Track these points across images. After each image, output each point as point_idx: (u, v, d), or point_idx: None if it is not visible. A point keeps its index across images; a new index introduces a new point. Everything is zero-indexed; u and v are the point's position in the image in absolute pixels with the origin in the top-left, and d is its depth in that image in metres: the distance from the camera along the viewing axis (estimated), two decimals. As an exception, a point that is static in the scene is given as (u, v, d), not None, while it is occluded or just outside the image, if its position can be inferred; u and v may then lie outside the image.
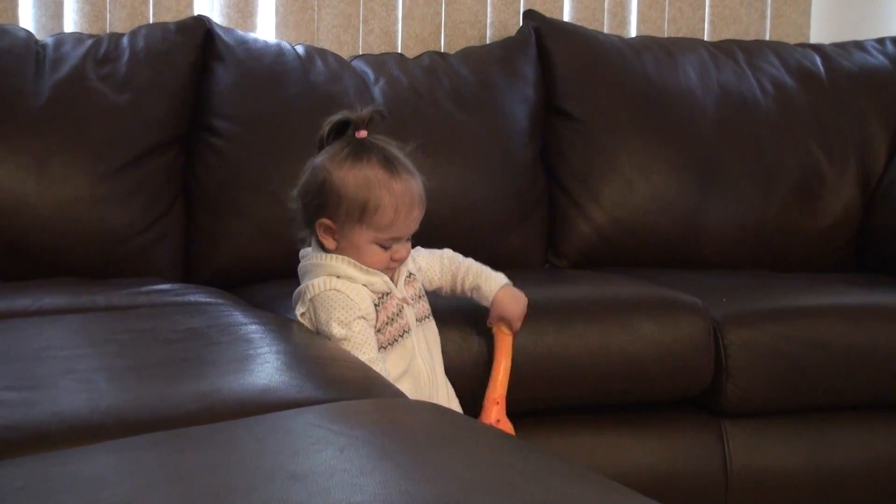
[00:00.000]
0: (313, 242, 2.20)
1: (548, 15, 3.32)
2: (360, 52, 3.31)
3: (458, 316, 2.37)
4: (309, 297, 2.13)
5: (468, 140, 2.99)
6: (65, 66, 2.84)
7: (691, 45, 3.35)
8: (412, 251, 2.22)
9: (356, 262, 2.13)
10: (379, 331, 2.12)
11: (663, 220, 3.08)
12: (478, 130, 3.02)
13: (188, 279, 2.80)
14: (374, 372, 1.88)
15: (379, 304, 2.13)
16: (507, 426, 2.25)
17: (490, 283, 2.28)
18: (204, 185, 2.87)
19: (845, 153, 3.23)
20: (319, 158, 2.15)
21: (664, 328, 2.48)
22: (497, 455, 1.38)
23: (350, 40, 3.34)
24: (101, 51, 2.90)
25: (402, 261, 2.17)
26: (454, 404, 2.23)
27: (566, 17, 3.50)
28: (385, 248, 2.13)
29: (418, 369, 2.16)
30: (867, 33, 3.59)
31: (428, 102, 3.02)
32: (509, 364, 2.28)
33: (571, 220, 3.07)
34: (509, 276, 2.46)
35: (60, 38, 2.94)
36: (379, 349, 2.11)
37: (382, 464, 1.29)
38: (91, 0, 3.15)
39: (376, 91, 3.00)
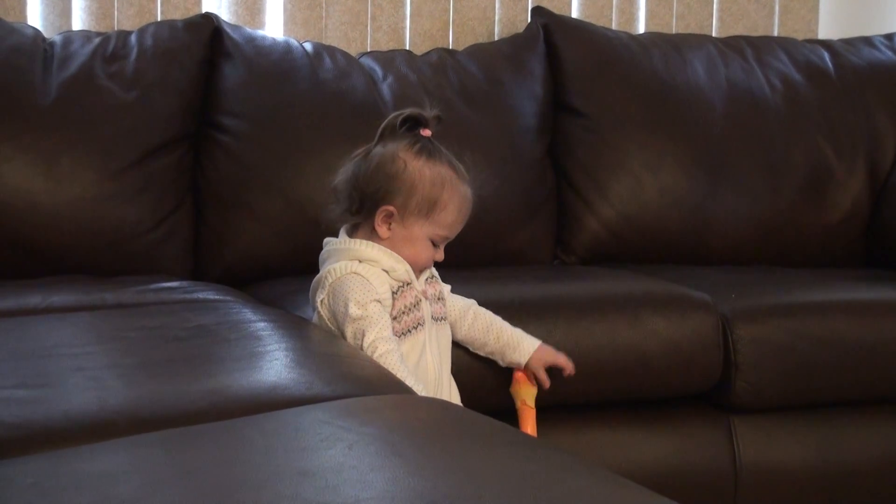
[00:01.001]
0: (343, 231, 2.21)
1: (556, 12, 3.32)
2: (369, 49, 3.31)
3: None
4: (329, 281, 2.13)
5: (476, 137, 2.99)
6: (73, 64, 2.84)
7: (699, 41, 3.35)
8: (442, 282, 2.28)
9: (383, 248, 2.14)
10: (395, 318, 2.13)
11: (672, 216, 3.07)
12: (486, 127, 3.02)
13: (197, 276, 2.80)
14: (384, 369, 1.88)
15: (398, 292, 2.14)
16: None
17: (528, 340, 2.30)
18: (212, 182, 2.88)
19: (854, 149, 3.23)
20: (389, 147, 2.16)
21: (673, 324, 2.47)
22: (507, 451, 1.38)
23: (358, 37, 3.34)
24: (109, 49, 2.90)
25: (439, 261, 2.21)
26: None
27: (574, 14, 3.49)
28: (435, 245, 2.17)
29: (427, 365, 2.16)
30: (875, 29, 3.59)
31: (436, 99, 3.01)
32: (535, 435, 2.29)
33: (580, 216, 3.07)
34: (518, 273, 2.47)
35: (68, 37, 2.95)
36: None
37: (392, 460, 1.29)
38: (99, -2, 3.16)
39: (384, 88, 3.00)
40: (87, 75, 2.83)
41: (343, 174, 2.20)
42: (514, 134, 3.06)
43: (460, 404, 2.24)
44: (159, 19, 3.16)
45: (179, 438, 1.41)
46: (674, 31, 3.56)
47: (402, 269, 2.15)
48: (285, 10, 3.30)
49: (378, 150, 2.17)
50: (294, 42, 3.08)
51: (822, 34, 3.70)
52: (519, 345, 2.29)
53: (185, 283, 2.56)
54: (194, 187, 2.89)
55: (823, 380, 2.57)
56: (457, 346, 2.29)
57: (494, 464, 1.30)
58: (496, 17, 3.44)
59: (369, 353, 2.04)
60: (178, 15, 3.16)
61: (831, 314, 2.60)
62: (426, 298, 2.19)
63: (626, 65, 3.20)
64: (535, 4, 3.37)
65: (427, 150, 2.16)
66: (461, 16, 3.42)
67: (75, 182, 2.73)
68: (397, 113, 2.19)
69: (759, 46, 3.37)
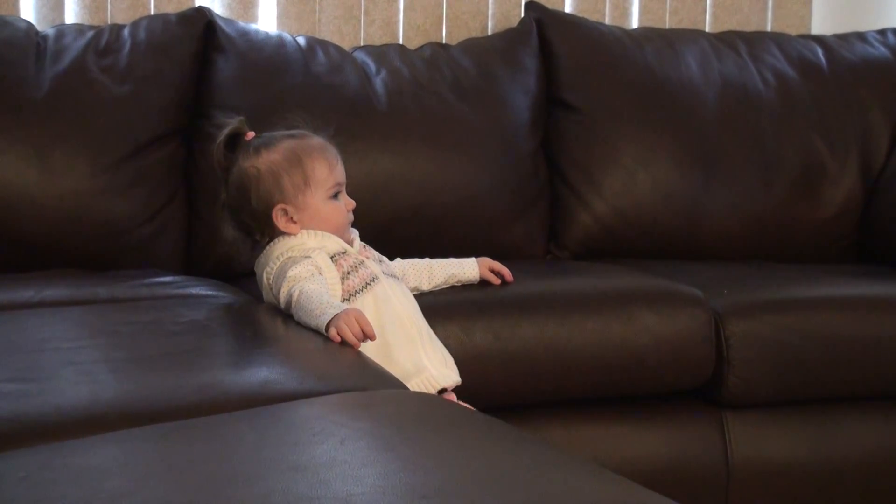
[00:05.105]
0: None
1: (549, 6, 3.32)
2: (362, 44, 3.31)
3: (459, 311, 2.37)
4: (270, 278, 2.16)
5: (469, 131, 2.99)
6: (66, 57, 2.84)
7: (693, 36, 3.35)
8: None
9: (303, 233, 2.19)
10: (343, 279, 2.15)
11: (664, 211, 3.07)
12: (479, 122, 3.02)
13: (189, 271, 2.80)
14: (376, 364, 1.87)
15: (335, 256, 2.18)
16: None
17: (465, 260, 2.44)
18: (205, 176, 2.87)
19: (847, 144, 3.23)
20: (234, 170, 2.25)
21: (665, 320, 2.48)
22: (498, 446, 1.38)
23: (351, 31, 3.34)
24: (102, 42, 2.90)
25: (352, 209, 2.25)
26: (442, 351, 2.23)
27: (568, 9, 3.49)
28: (337, 198, 2.23)
29: (397, 312, 2.17)
30: (868, 24, 3.59)
31: (429, 94, 3.02)
32: None
33: (573, 211, 3.07)
34: (510, 267, 2.47)
35: (61, 30, 2.94)
36: (351, 296, 2.14)
37: (383, 455, 1.29)
38: (92, -9, 3.15)
39: (378, 82, 3.00)
40: (79, 69, 2.82)
41: (229, 225, 2.29)
42: (507, 128, 3.06)
43: (442, 345, 2.24)
44: (152, 13, 3.16)
45: (171, 433, 1.41)
46: (667, 26, 3.56)
47: (330, 243, 2.20)
48: (278, 4, 3.30)
49: (230, 181, 2.25)
50: (287, 36, 3.08)
51: (816, 29, 3.70)
52: (462, 266, 2.42)
53: (177, 278, 2.56)
54: (187, 181, 2.89)
55: (815, 375, 2.57)
56: (448, 342, 2.29)
57: (485, 458, 1.31)
58: (489, 12, 3.43)
59: (290, 290, 2.06)
60: (172, 9, 3.15)
61: (823, 310, 2.60)
62: (368, 257, 2.23)
63: (620, 60, 3.20)
64: (529, -1, 3.37)
65: (262, 144, 2.25)
66: (454, 10, 3.41)
67: (68, 175, 2.73)
68: (214, 149, 2.27)
69: (753, 41, 3.36)
